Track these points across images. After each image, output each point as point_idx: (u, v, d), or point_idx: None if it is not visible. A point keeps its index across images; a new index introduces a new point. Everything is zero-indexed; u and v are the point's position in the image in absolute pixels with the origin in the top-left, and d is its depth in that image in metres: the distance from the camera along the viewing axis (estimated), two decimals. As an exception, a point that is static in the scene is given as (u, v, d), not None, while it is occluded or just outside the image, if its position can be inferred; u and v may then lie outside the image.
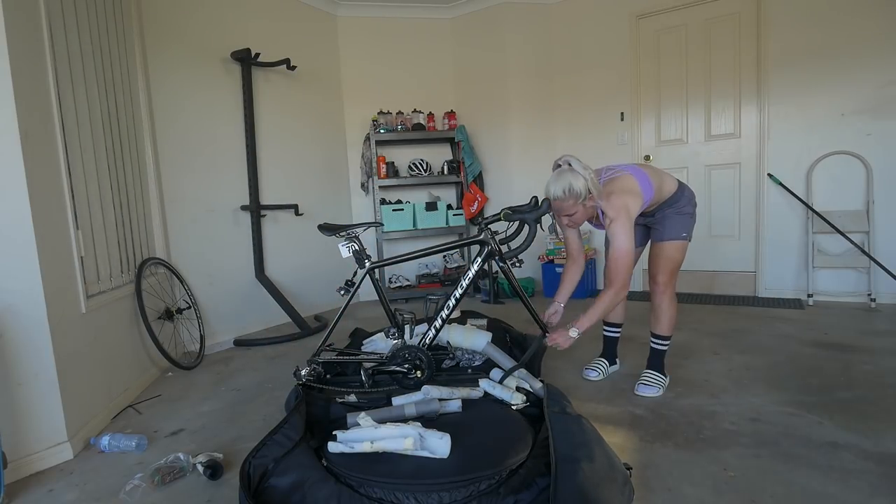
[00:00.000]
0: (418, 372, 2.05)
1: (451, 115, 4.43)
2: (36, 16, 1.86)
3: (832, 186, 3.45)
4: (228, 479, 1.61)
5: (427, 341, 2.12)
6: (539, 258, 4.28)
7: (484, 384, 1.91)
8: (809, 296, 3.45)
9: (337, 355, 2.34)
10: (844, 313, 3.19)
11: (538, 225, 2.03)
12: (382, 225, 3.79)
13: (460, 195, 4.57)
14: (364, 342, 2.51)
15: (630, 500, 1.32)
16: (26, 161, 1.70)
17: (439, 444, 1.41)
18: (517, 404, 1.80)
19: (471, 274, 2.12)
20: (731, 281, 3.90)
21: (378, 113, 4.29)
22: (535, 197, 2.00)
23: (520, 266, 2.23)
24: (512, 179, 4.42)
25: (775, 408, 1.91)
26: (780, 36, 3.52)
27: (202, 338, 3.10)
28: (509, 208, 2.05)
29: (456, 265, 4.54)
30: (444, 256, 4.58)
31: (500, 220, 2.09)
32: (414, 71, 4.52)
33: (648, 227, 2.18)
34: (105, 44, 2.44)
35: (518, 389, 1.89)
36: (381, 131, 4.25)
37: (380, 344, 2.43)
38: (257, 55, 3.44)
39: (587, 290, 4.12)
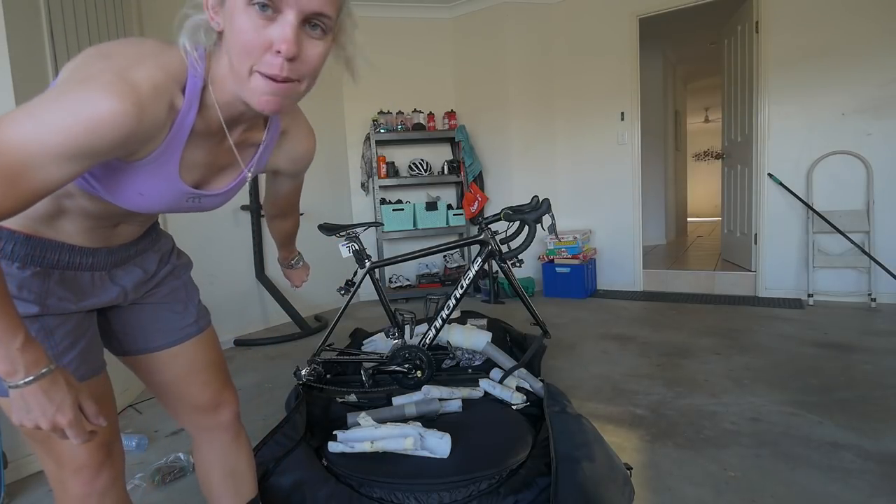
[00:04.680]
0: (418, 372, 2.05)
1: (451, 114, 4.43)
2: (36, 15, 1.86)
3: (832, 186, 3.45)
4: (229, 479, 1.60)
5: (427, 341, 2.12)
6: (539, 258, 4.28)
7: (484, 384, 1.91)
8: (810, 296, 3.45)
9: (337, 355, 2.34)
10: (845, 313, 3.18)
11: (538, 225, 2.04)
12: (382, 225, 3.79)
13: (460, 195, 4.57)
14: (364, 342, 2.51)
15: (630, 500, 1.33)
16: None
17: (439, 444, 1.41)
18: (517, 404, 1.80)
19: (471, 274, 2.12)
20: (732, 281, 3.90)
21: (378, 113, 4.29)
22: (536, 197, 2.00)
23: (520, 266, 2.23)
24: (512, 179, 4.42)
25: (775, 408, 1.91)
26: (780, 36, 3.51)
27: (202, 338, 3.09)
28: (509, 208, 2.05)
29: (456, 265, 4.53)
30: (445, 256, 4.58)
31: (500, 220, 2.09)
32: (414, 71, 4.52)
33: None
34: (105, 44, 2.44)
35: (518, 389, 1.89)
36: (382, 131, 4.24)
37: (380, 344, 2.43)
38: (257, 55, 3.44)
39: (587, 291, 4.12)
